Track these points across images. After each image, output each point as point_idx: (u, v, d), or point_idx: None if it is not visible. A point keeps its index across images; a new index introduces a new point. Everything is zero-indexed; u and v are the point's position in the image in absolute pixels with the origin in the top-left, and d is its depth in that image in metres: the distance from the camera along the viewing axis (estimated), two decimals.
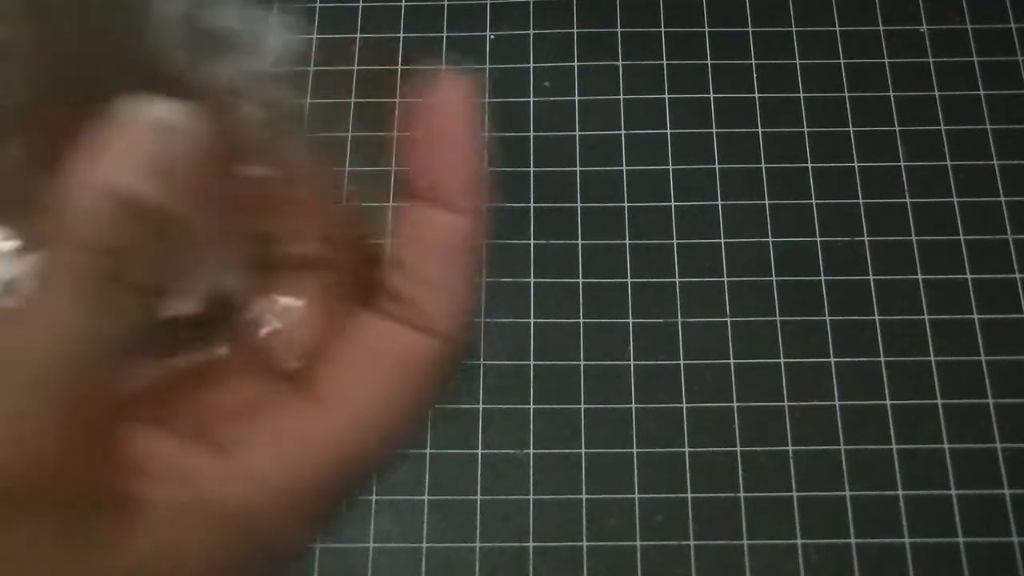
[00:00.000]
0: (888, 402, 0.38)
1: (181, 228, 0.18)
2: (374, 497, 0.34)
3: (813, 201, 0.42)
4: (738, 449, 0.37)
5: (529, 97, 0.44)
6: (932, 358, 0.38)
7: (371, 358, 0.19)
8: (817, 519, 0.36)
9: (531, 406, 0.37)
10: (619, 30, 0.46)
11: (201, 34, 0.20)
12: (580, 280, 0.40)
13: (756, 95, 0.44)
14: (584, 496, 0.36)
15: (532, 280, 0.40)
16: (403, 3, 0.45)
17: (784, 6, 0.46)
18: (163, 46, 0.19)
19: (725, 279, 0.40)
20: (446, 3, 0.45)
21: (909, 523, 0.35)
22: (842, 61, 0.45)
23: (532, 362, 0.38)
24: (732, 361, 0.39)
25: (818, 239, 0.41)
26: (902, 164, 0.42)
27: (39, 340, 0.17)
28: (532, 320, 0.39)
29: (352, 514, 0.28)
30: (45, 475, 0.17)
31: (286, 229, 0.20)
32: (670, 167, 0.43)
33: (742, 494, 0.36)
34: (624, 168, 0.43)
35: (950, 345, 0.39)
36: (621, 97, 0.44)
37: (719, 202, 0.42)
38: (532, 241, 0.41)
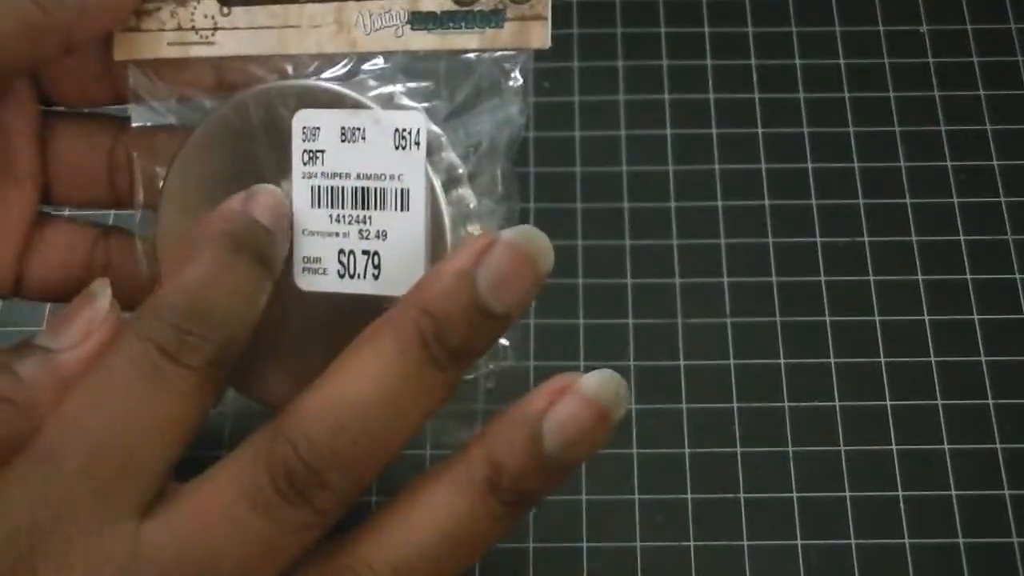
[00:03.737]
0: (888, 402, 0.38)
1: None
2: (374, 498, 0.34)
3: (813, 201, 0.42)
4: (738, 449, 0.37)
5: (529, 97, 0.44)
6: (932, 358, 0.38)
7: None
8: (817, 519, 0.36)
9: None
10: (619, 30, 0.46)
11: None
12: (580, 280, 0.40)
13: (756, 95, 0.44)
14: (584, 497, 0.36)
15: None
16: None
17: (784, 6, 0.46)
18: None
19: (725, 279, 0.40)
20: None
21: (909, 523, 0.35)
22: (842, 61, 0.45)
23: (532, 363, 0.38)
24: (732, 361, 0.39)
25: (818, 239, 0.41)
26: (902, 164, 0.42)
27: None
28: (532, 321, 0.39)
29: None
30: None
31: None
32: (670, 167, 0.43)
33: (742, 494, 0.36)
34: (624, 168, 0.43)
35: (950, 345, 0.39)
36: (621, 97, 0.44)
37: (719, 202, 0.42)
38: None
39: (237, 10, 0.28)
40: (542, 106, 0.44)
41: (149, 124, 0.29)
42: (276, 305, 0.26)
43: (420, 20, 0.26)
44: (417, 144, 0.26)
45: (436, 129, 0.27)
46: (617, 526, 0.36)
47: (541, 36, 0.26)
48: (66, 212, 0.32)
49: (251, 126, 0.27)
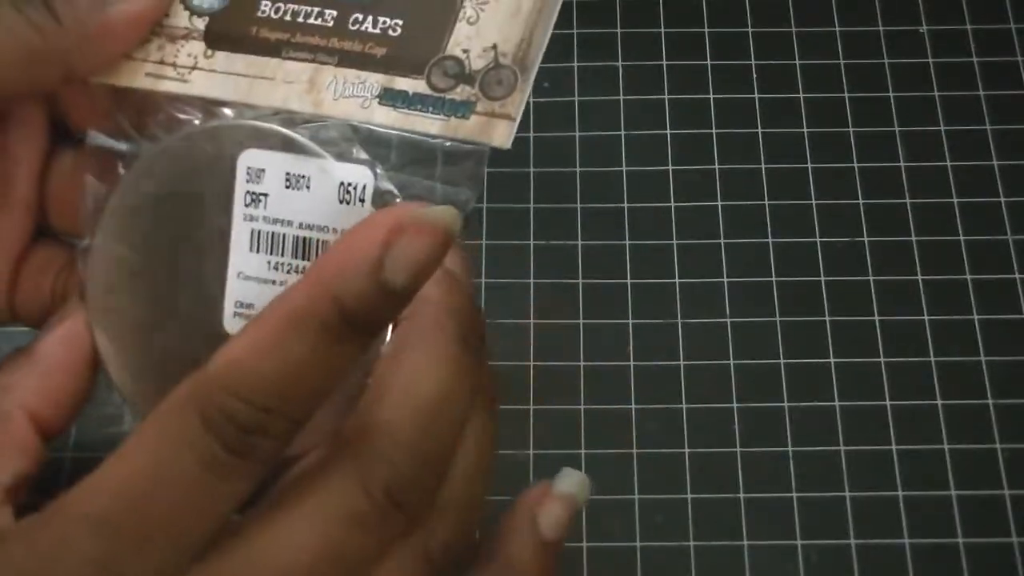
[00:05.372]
0: (888, 402, 0.38)
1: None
2: None
3: (813, 201, 0.42)
4: (738, 449, 0.37)
5: (529, 98, 0.44)
6: (932, 358, 0.38)
7: None
8: (817, 519, 0.36)
9: (531, 407, 0.37)
10: (619, 30, 0.46)
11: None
12: (580, 280, 0.40)
13: (756, 95, 0.44)
14: None
15: (532, 280, 0.40)
16: None
17: (784, 6, 0.46)
18: None
19: (725, 279, 0.40)
20: None
21: (909, 523, 0.35)
22: (842, 61, 0.45)
23: (531, 363, 0.38)
24: (732, 361, 0.39)
25: (818, 239, 0.41)
26: (902, 164, 0.42)
27: None
28: (532, 321, 0.39)
29: None
30: None
31: None
32: (670, 167, 0.43)
33: (742, 494, 0.36)
34: (624, 168, 0.43)
35: (950, 345, 0.39)
36: (621, 97, 0.44)
37: (719, 202, 0.42)
38: (532, 241, 0.41)
39: (220, 54, 0.28)
40: (542, 106, 0.44)
41: (104, 147, 0.29)
42: (204, 348, 0.24)
43: (390, 96, 0.26)
44: (362, 200, 0.25)
45: (393, 189, 0.26)
46: (617, 526, 0.36)
47: (504, 136, 0.26)
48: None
49: (198, 161, 0.27)
